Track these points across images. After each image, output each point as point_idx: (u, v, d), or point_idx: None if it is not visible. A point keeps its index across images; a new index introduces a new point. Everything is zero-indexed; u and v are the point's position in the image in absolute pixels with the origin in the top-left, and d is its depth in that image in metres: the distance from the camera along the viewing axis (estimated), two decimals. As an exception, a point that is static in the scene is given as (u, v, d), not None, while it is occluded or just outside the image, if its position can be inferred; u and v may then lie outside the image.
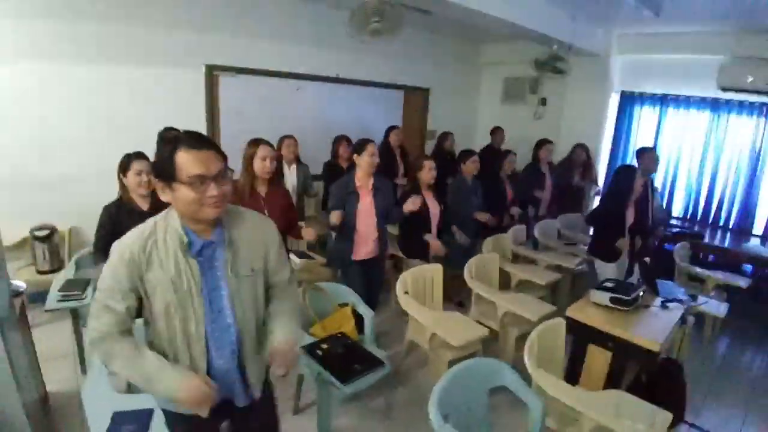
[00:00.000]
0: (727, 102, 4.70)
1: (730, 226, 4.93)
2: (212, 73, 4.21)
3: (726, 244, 4.58)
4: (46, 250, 3.37)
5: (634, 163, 3.92)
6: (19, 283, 2.30)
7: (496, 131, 5.70)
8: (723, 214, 4.96)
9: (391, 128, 4.99)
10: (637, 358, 2.47)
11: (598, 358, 2.55)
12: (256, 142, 2.62)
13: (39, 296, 2.76)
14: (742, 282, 3.67)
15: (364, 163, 2.96)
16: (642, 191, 3.44)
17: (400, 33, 2.99)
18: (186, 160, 1.15)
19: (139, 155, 2.49)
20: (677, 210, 5.29)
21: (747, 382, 3.30)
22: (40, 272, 3.35)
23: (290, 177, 4.04)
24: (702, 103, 4.87)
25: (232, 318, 1.32)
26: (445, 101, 6.47)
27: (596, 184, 5.44)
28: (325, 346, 2.15)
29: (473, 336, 2.44)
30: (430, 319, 2.54)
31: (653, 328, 2.54)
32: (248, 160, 2.59)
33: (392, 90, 5.81)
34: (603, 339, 2.52)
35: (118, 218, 2.34)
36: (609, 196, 3.62)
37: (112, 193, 2.54)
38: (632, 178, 3.35)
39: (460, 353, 2.60)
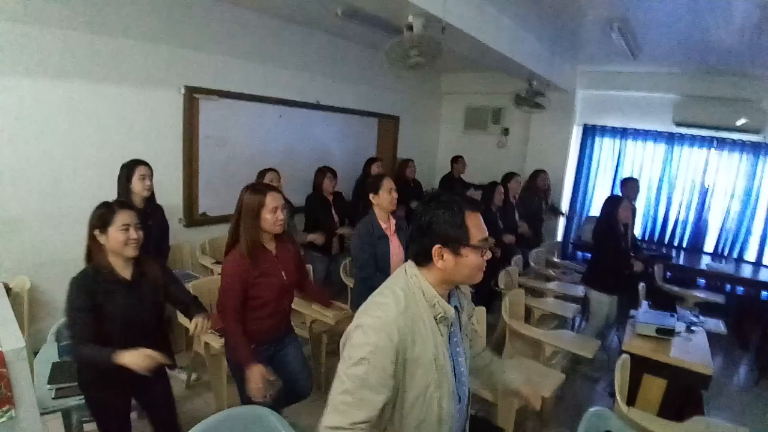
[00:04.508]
0: (681, 135, 5.26)
1: (684, 246, 5.48)
2: (192, 96, 3.79)
3: (681, 262, 5.06)
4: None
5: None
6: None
7: (458, 160, 5.74)
8: (677, 235, 5.51)
9: (372, 160, 4.80)
10: (692, 383, 2.59)
11: (653, 387, 2.65)
12: (260, 190, 2.11)
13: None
14: (719, 298, 4.03)
15: (384, 201, 2.76)
16: (628, 216, 3.66)
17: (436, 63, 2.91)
18: (474, 224, 1.10)
19: (123, 204, 1.82)
20: (637, 232, 5.73)
21: (735, 391, 3.67)
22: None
23: None
24: (659, 136, 5.41)
25: (467, 385, 1.25)
26: (411, 129, 6.52)
27: (560, 209, 5.73)
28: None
29: (557, 382, 2.38)
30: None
31: (696, 352, 2.71)
32: (252, 212, 2.07)
33: (367, 117, 5.71)
34: (657, 368, 2.62)
35: (96, 295, 1.67)
36: (601, 225, 3.67)
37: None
38: (617, 207, 3.53)
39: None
